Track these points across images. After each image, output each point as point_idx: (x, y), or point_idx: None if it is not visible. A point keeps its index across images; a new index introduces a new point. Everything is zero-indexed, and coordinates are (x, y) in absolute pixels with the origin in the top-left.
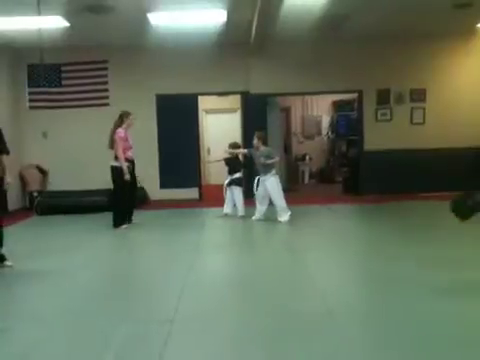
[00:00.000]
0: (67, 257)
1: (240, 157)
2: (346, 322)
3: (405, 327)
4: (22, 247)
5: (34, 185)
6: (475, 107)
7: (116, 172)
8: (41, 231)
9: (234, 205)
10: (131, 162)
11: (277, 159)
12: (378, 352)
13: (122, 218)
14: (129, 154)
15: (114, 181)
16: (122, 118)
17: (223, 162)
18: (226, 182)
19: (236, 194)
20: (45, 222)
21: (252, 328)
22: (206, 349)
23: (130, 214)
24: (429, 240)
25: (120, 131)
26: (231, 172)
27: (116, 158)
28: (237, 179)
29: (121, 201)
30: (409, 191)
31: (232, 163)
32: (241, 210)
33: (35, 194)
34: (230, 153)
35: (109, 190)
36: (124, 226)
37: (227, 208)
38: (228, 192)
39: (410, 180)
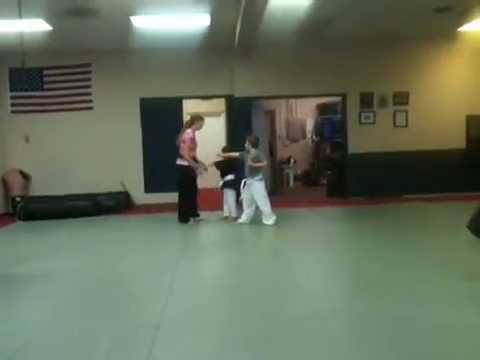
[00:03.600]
0: (51, 262)
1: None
2: (332, 325)
3: (392, 329)
4: (4, 253)
5: (17, 190)
6: (457, 110)
7: (181, 170)
8: (24, 236)
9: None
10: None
11: (264, 163)
12: (365, 354)
13: (188, 215)
14: (193, 153)
15: (180, 179)
16: (193, 120)
17: (214, 166)
18: (220, 184)
19: (229, 196)
20: (28, 227)
21: (239, 332)
22: (193, 353)
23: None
24: (415, 242)
25: (189, 132)
26: (223, 175)
27: (181, 157)
28: (229, 181)
29: (188, 198)
30: (393, 193)
31: (222, 166)
32: (233, 212)
33: (18, 199)
34: (223, 157)
35: (93, 195)
36: (190, 222)
37: (226, 211)
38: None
39: (394, 182)
